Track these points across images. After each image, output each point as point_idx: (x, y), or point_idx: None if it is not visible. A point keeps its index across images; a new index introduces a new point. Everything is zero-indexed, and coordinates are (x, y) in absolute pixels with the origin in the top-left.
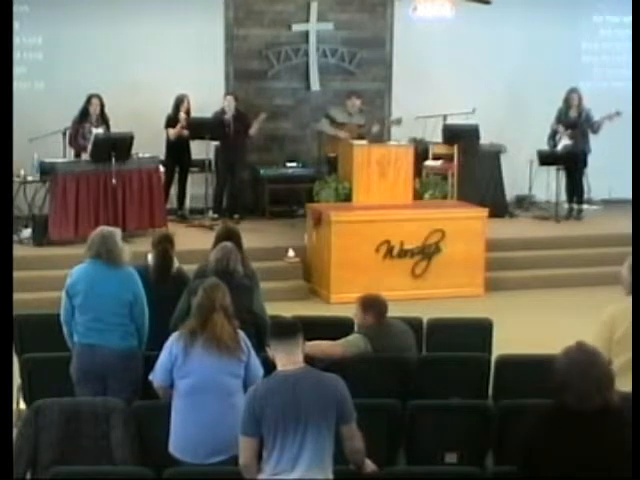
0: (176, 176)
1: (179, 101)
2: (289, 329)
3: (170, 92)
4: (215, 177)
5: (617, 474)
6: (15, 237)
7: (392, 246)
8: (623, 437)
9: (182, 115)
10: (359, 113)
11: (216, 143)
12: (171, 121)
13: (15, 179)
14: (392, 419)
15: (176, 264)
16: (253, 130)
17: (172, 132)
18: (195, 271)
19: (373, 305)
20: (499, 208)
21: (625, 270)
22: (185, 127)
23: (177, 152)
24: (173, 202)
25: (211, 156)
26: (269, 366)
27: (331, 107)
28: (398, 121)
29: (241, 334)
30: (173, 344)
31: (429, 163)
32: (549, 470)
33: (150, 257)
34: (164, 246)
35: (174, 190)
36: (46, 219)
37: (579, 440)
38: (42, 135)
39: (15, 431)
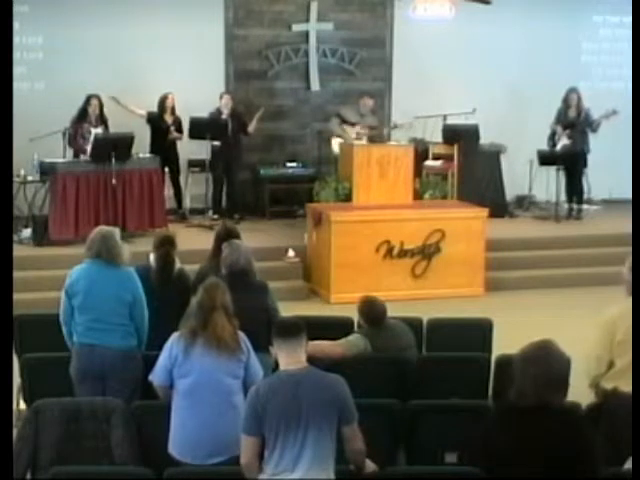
0: (167, 177)
1: (163, 99)
2: (292, 329)
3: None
4: (212, 177)
5: (553, 475)
6: (15, 237)
7: (392, 246)
8: (562, 439)
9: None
10: (371, 115)
11: (213, 143)
12: (155, 119)
13: (15, 179)
14: (392, 419)
15: (177, 265)
16: (252, 127)
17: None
18: (197, 272)
19: (370, 310)
20: (499, 208)
21: (626, 270)
22: (176, 129)
23: (163, 153)
24: (172, 202)
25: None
26: None
27: (343, 107)
28: (395, 126)
29: (241, 334)
30: (173, 344)
31: (429, 163)
32: (497, 468)
33: (152, 258)
34: (166, 248)
35: (170, 191)
36: (46, 219)
37: (516, 438)
38: (42, 135)
39: (15, 431)
